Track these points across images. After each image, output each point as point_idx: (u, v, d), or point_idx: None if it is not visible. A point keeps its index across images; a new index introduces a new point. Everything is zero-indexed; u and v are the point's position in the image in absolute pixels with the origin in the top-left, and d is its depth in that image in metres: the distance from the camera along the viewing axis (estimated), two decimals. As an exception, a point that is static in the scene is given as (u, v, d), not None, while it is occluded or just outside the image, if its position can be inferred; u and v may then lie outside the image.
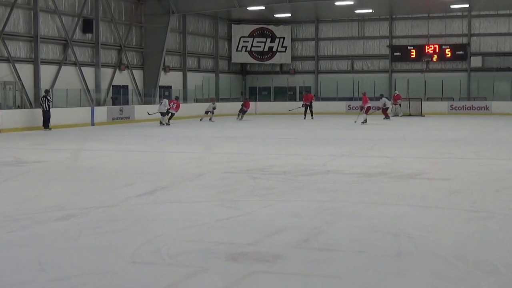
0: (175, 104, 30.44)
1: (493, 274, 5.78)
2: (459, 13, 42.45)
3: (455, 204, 9.32)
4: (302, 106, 35.21)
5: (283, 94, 45.45)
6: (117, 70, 35.47)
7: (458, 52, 42.62)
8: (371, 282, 5.62)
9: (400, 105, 36.99)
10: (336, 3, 37.04)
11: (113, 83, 35.19)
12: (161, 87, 38.03)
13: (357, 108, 39.81)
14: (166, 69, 39.12)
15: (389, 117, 33.77)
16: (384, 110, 34.20)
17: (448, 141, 20.20)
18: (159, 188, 10.64)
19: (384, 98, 35.02)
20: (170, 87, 39.54)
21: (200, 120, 32.38)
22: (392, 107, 36.78)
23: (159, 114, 29.49)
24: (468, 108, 39.04)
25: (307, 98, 35.44)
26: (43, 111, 25.94)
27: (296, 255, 6.36)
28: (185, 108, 33.32)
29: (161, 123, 29.13)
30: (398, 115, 36.52)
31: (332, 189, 10.61)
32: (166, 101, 29.82)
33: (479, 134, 23.48)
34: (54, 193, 10.50)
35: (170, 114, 29.82)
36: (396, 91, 38.54)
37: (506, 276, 5.73)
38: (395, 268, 6.00)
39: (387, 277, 5.73)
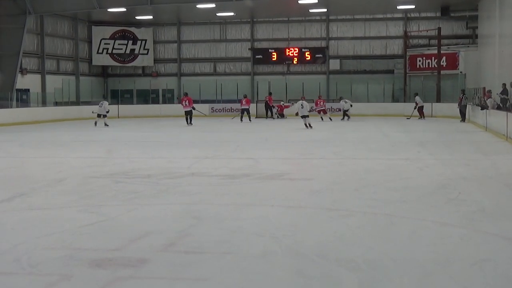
0: (187, 101, 30.10)
1: (354, 271, 5.97)
2: (318, 17, 43.65)
3: (316, 203, 9.57)
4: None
5: (146, 97, 44.98)
6: (-30, 73, 33.93)
7: (317, 55, 43.80)
8: (237, 283, 5.67)
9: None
10: (198, 6, 37.06)
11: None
12: (18, 90, 36.63)
13: (220, 110, 40.04)
14: (23, 71, 37.78)
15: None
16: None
17: (309, 142, 20.65)
18: (18, 195, 10.27)
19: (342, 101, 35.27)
20: (28, 90, 38.18)
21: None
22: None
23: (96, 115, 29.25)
24: (328, 109, 39.95)
25: None
26: None
27: (162, 259, 6.33)
28: (43, 111, 32.38)
29: (96, 124, 28.95)
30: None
31: (197, 191, 10.62)
32: (106, 103, 29.14)
33: (338, 135, 24.14)
34: None
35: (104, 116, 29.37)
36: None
37: (367, 272, 5.94)
38: (261, 268, 6.08)
39: (253, 277, 5.81)
